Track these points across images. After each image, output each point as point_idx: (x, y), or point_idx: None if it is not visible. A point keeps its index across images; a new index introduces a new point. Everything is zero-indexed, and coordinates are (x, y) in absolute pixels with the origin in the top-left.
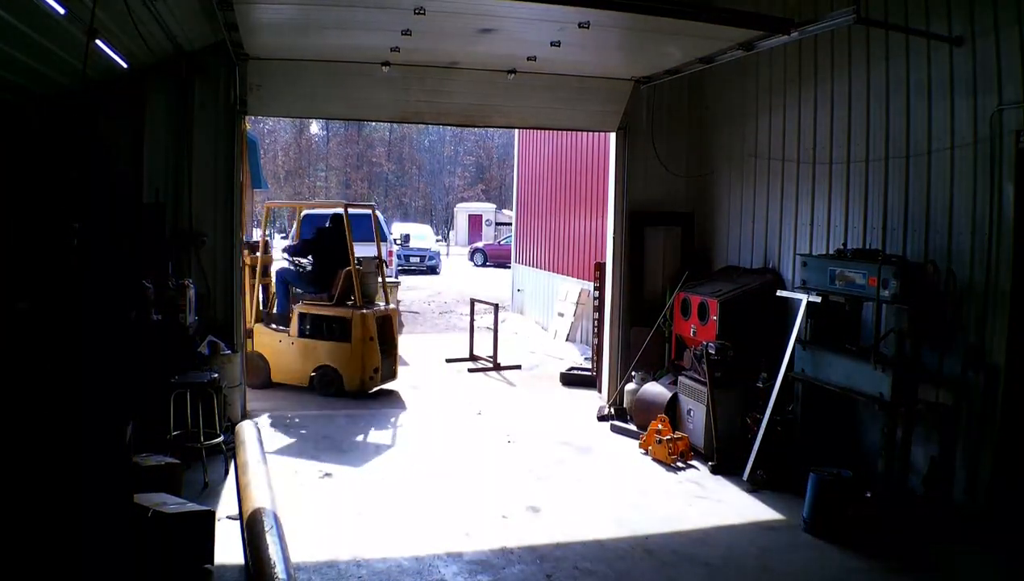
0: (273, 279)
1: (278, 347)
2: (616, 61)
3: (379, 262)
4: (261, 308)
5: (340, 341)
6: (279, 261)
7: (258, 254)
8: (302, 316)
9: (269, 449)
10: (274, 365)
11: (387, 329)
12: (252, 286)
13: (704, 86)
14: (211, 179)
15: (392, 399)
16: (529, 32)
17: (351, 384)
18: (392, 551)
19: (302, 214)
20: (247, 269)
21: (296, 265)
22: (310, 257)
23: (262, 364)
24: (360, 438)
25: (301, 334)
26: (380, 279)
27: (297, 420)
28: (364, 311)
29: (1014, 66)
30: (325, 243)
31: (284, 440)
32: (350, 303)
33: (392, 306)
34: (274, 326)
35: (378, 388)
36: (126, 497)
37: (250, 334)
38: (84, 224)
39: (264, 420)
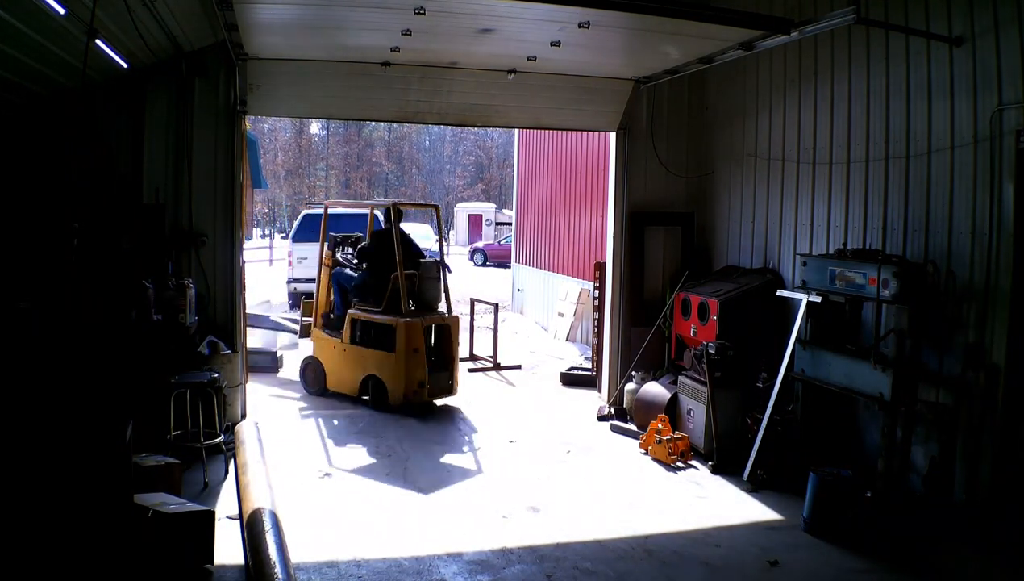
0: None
1: (332, 353)
2: (616, 61)
3: (440, 266)
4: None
5: (386, 350)
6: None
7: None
8: (353, 322)
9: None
10: (330, 372)
11: (443, 339)
12: (329, 287)
13: (704, 86)
14: (211, 179)
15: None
16: (529, 32)
17: (394, 397)
18: (392, 551)
19: (302, 214)
20: (328, 270)
21: (352, 268)
22: (364, 264)
23: (320, 370)
24: (360, 438)
25: (352, 341)
26: (443, 285)
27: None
28: (409, 319)
29: (1014, 66)
30: (382, 247)
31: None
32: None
33: (454, 314)
34: (329, 331)
35: (438, 403)
36: (126, 497)
37: (307, 334)
38: (84, 224)
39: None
